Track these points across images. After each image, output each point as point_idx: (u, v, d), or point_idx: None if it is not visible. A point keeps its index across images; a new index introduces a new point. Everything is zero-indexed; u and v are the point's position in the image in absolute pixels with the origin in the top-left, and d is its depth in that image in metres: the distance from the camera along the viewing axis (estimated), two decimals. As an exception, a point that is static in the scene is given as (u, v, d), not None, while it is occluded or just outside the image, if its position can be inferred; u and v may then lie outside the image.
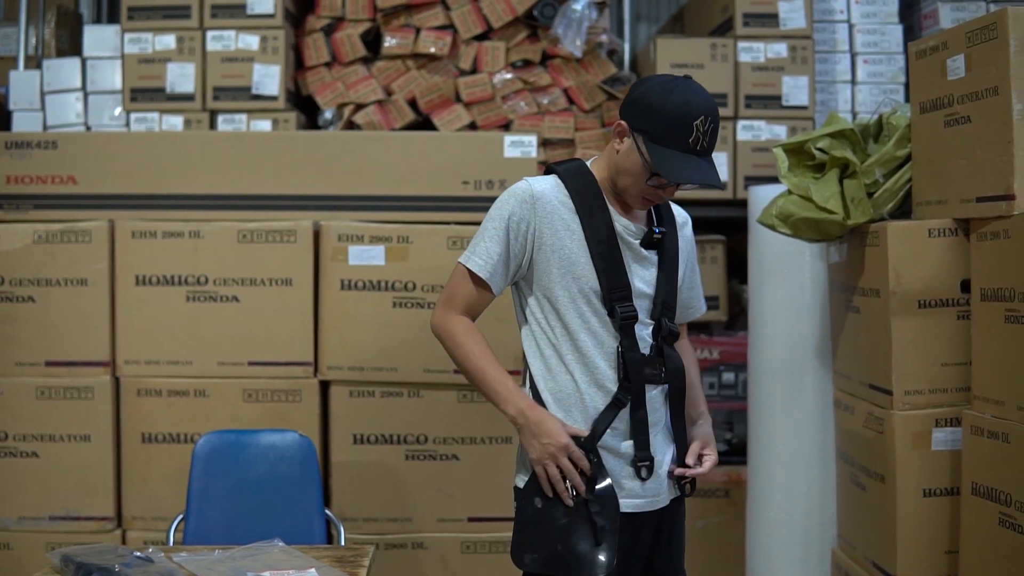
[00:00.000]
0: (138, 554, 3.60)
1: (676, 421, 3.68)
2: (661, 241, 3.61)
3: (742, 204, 5.72)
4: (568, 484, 3.44)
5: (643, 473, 3.53)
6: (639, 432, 3.54)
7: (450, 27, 6.29)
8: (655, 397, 3.59)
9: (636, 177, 3.48)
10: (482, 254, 3.54)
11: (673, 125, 3.38)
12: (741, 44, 6.08)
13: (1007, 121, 3.90)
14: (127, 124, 6.11)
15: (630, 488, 3.53)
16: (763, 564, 5.30)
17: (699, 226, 6.20)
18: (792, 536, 5.19)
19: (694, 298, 3.90)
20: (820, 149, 4.66)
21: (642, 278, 3.56)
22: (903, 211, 4.59)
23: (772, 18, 6.09)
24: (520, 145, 5.37)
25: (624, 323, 3.51)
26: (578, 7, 6.12)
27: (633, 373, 3.52)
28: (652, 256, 3.61)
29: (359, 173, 5.45)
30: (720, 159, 5.98)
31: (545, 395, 3.56)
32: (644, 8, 7.73)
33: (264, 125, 6.04)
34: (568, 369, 3.54)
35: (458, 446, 5.28)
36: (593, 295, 3.51)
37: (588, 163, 3.67)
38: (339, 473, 5.29)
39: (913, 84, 4.57)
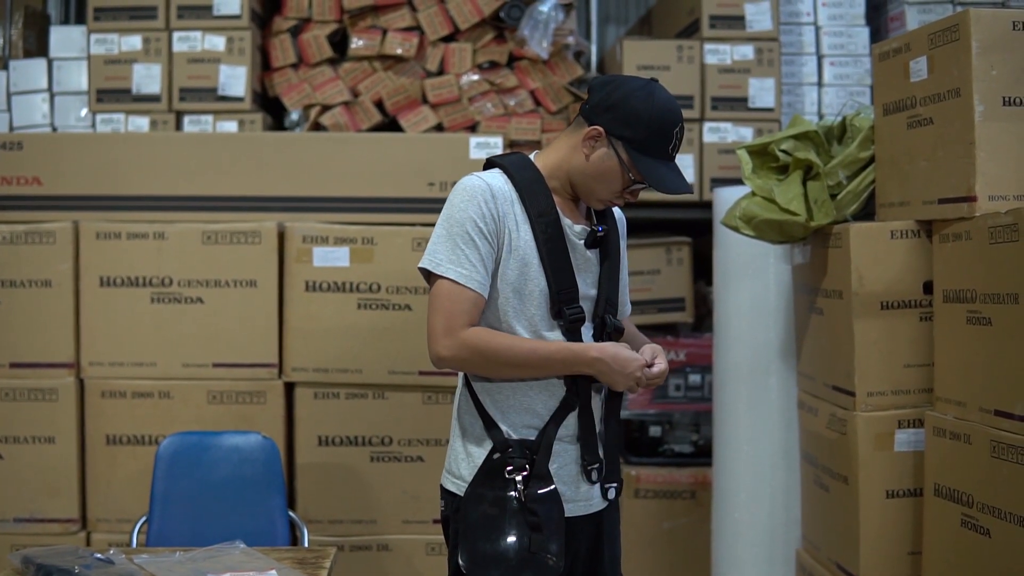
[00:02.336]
0: (99, 556, 3.59)
1: (609, 424, 3.54)
2: (604, 239, 3.52)
3: (708, 206, 5.72)
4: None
5: (594, 476, 3.47)
6: (588, 435, 3.46)
7: (417, 28, 6.27)
8: (596, 400, 3.50)
9: (611, 183, 3.41)
10: (462, 262, 3.33)
11: (657, 133, 3.34)
12: (707, 46, 6.09)
13: (969, 123, 3.92)
14: (93, 125, 6.09)
15: (573, 493, 3.46)
16: (728, 565, 5.32)
17: (665, 228, 6.25)
18: (757, 537, 5.20)
19: (626, 296, 3.79)
20: (784, 151, 4.67)
21: (584, 279, 3.48)
22: (866, 213, 4.60)
23: (739, 20, 6.10)
24: (486, 146, 5.38)
25: (572, 325, 3.42)
26: (545, 9, 6.11)
27: (573, 376, 3.43)
28: (594, 255, 3.51)
29: (325, 174, 5.47)
30: (686, 161, 5.99)
31: (483, 396, 3.46)
32: (612, 10, 7.73)
33: (230, 126, 6.02)
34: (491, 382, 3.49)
35: (423, 447, 5.27)
36: (542, 296, 3.40)
37: (532, 156, 3.56)
38: (304, 475, 5.28)
39: (877, 86, 4.59)
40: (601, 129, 3.38)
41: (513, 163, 3.49)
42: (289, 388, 5.32)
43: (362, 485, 5.29)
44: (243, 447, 4.76)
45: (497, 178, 3.44)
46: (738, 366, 5.26)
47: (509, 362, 3.37)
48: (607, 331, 3.51)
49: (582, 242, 3.47)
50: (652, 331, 3.65)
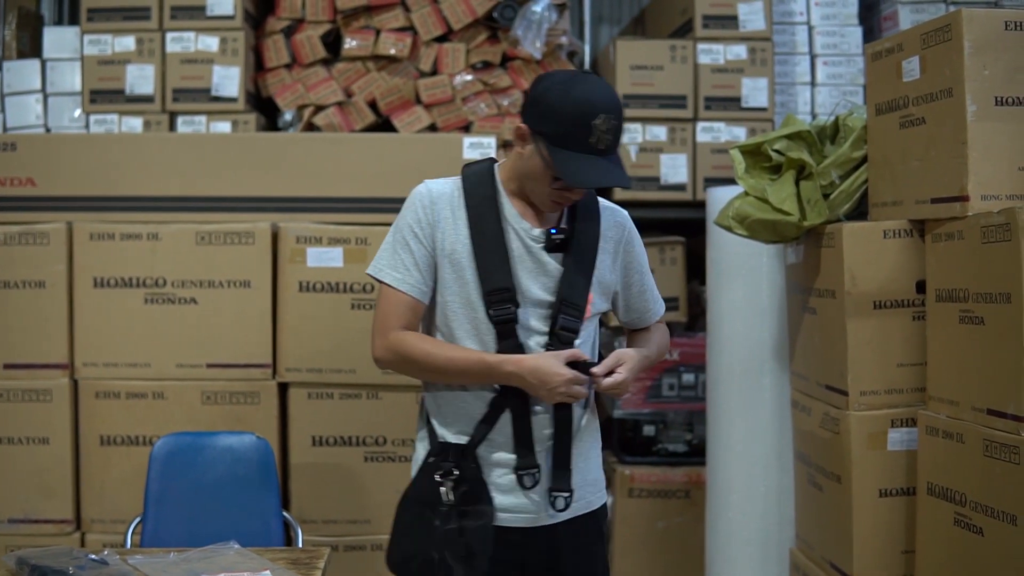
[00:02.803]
0: (93, 556, 3.59)
1: (560, 440, 3.48)
2: (567, 242, 3.45)
3: (701, 206, 5.71)
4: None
5: (526, 482, 3.42)
6: (521, 443, 3.42)
7: (410, 29, 6.28)
8: (542, 405, 3.44)
9: (540, 181, 3.36)
10: (398, 266, 3.44)
11: (572, 126, 3.24)
12: (701, 46, 6.10)
13: (961, 122, 3.91)
14: (87, 126, 6.09)
15: (506, 502, 3.43)
16: (722, 564, 5.32)
17: (659, 227, 6.25)
18: (750, 536, 5.20)
19: (648, 301, 3.75)
20: (777, 151, 4.66)
21: (543, 284, 3.44)
22: (859, 212, 4.58)
23: (732, 20, 6.11)
24: (479, 147, 5.37)
25: (501, 326, 3.40)
26: (538, 9, 6.12)
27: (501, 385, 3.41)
28: (555, 259, 3.45)
29: (318, 175, 5.45)
30: (680, 161, 6.01)
31: (429, 401, 3.52)
32: (605, 10, 7.73)
33: (224, 127, 6.03)
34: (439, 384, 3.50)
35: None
36: (477, 298, 3.41)
37: (499, 163, 3.57)
38: (298, 475, 5.27)
39: (869, 86, 4.57)
40: (524, 126, 3.36)
41: (472, 170, 3.52)
42: (283, 388, 5.30)
43: (356, 485, 5.28)
44: (237, 447, 4.74)
45: (446, 184, 3.48)
46: (731, 366, 5.26)
47: (428, 368, 3.43)
48: (556, 336, 3.43)
49: (541, 246, 3.43)
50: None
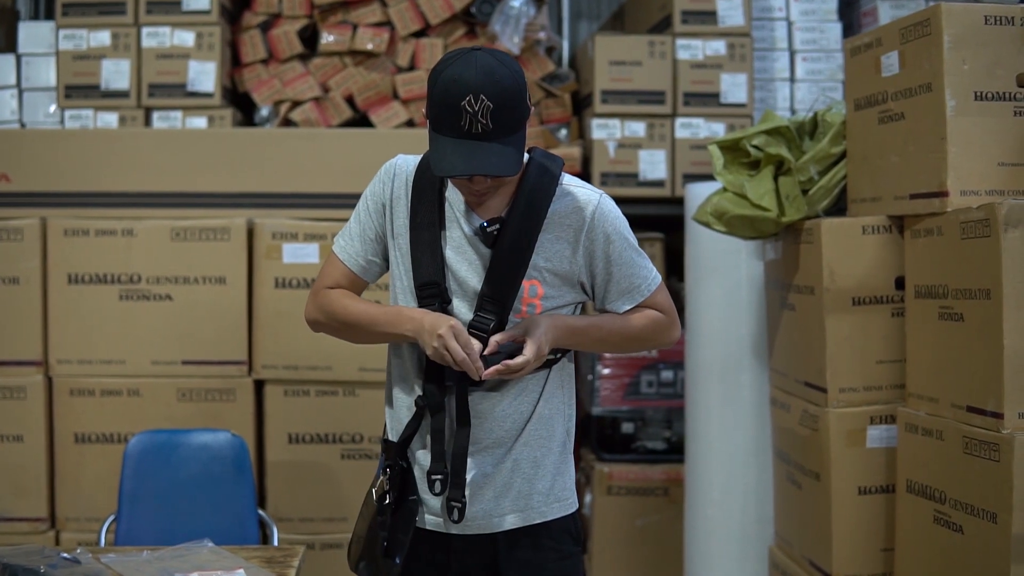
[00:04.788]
0: (65, 555, 3.55)
1: (461, 425, 3.22)
2: (500, 235, 3.16)
3: (680, 202, 5.70)
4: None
5: (436, 488, 3.21)
6: (435, 442, 3.22)
7: (387, 24, 6.26)
8: (452, 399, 3.22)
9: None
10: (345, 235, 3.34)
11: (442, 107, 2.96)
12: (679, 41, 6.07)
13: (940, 118, 3.91)
14: (62, 121, 6.05)
15: (432, 504, 3.27)
16: (701, 562, 5.30)
17: (637, 224, 6.20)
18: (729, 534, 5.19)
19: (611, 293, 3.31)
20: (755, 146, 4.66)
21: (478, 276, 3.20)
22: (838, 208, 4.59)
23: (710, 15, 6.08)
24: (456, 142, 5.34)
25: None
26: (516, 4, 6.10)
27: (428, 377, 3.22)
28: (489, 253, 3.20)
29: (295, 171, 5.44)
30: (658, 157, 5.99)
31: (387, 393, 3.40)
32: (583, 5, 7.70)
33: (199, 122, 5.99)
34: (391, 371, 3.37)
35: (381, 438, 5.22)
36: (411, 290, 3.24)
37: None
38: (274, 473, 5.26)
39: (848, 81, 4.58)
40: (423, 111, 3.14)
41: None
42: (259, 385, 5.30)
43: (333, 483, 5.27)
44: (212, 445, 4.72)
45: (414, 161, 3.31)
46: (710, 362, 5.24)
47: (346, 321, 3.30)
48: (473, 327, 3.18)
49: (478, 237, 3.21)
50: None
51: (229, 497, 4.66)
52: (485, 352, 3.11)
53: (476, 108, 2.94)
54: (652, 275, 3.36)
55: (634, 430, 6.05)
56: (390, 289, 3.34)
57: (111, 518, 4.63)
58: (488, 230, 3.16)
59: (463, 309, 3.21)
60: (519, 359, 3.09)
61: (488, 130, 2.96)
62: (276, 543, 4.64)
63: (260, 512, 4.72)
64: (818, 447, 4.39)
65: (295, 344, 5.22)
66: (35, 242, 5.22)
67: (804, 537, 4.63)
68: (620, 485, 5.89)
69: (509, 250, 3.18)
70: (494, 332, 3.17)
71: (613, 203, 3.32)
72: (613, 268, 3.28)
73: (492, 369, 3.09)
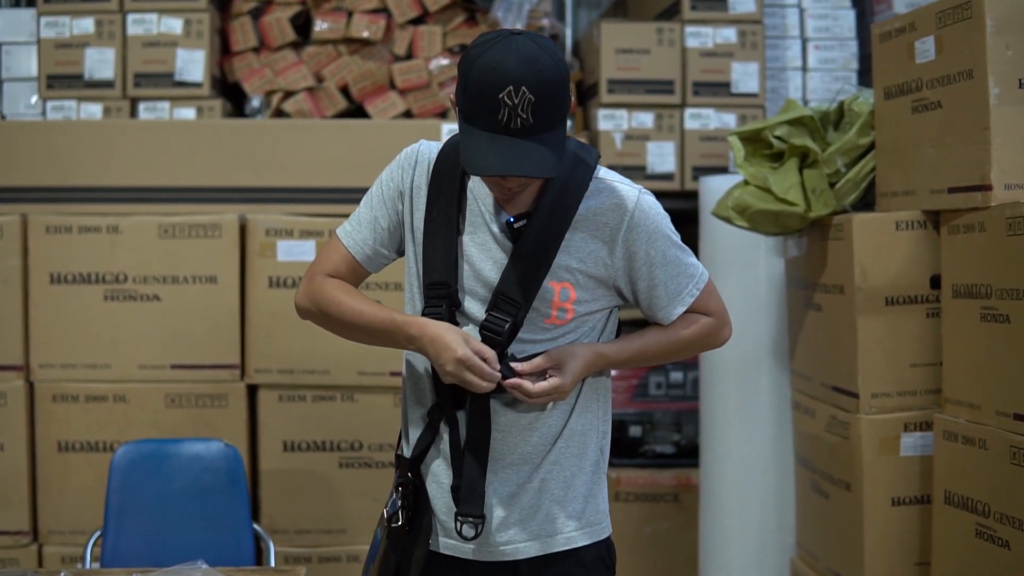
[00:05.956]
0: (48, 580, 3.42)
1: (475, 452, 3.00)
2: (524, 232, 2.93)
3: (690, 196, 5.58)
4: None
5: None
6: (454, 456, 2.99)
7: (384, 11, 6.12)
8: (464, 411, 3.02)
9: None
10: (353, 220, 3.12)
11: (478, 99, 2.71)
12: (689, 29, 5.90)
13: (983, 106, 3.74)
14: (43, 112, 5.91)
15: (449, 526, 3.02)
16: (717, 572, 5.20)
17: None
18: (747, 544, 5.08)
19: (659, 298, 3.08)
20: (778, 137, 4.53)
21: (495, 275, 2.97)
22: (865, 202, 4.46)
23: (721, 2, 5.92)
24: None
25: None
26: (519, -11, 5.98)
27: (438, 387, 3.00)
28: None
29: (288, 164, 5.36)
30: (667, 149, 5.84)
31: (403, 405, 3.18)
32: (585, -9, 7.57)
33: (188, 113, 5.85)
34: (404, 376, 3.14)
35: (394, 453, 5.07)
36: (420, 288, 3.03)
37: None
38: (268, 483, 5.16)
39: (877, 68, 4.42)
40: (452, 96, 2.91)
41: (455, 137, 3.01)
42: (252, 390, 5.19)
43: (330, 493, 5.17)
44: (204, 456, 4.59)
45: (438, 149, 3.08)
46: (726, 364, 5.09)
47: (336, 319, 3.06)
48: (485, 328, 2.96)
49: (504, 234, 2.97)
50: (636, 325, 3.46)
51: (222, 511, 4.52)
52: (519, 366, 2.89)
53: (516, 101, 2.68)
54: (699, 272, 3.12)
55: (642, 433, 5.93)
56: (405, 287, 3.10)
57: (97, 534, 4.48)
58: (516, 226, 2.92)
59: (482, 310, 2.97)
60: (541, 386, 2.88)
61: (528, 125, 2.70)
62: (272, 559, 4.51)
63: (255, 526, 4.59)
64: (848, 455, 4.25)
65: (290, 347, 5.11)
66: (15, 240, 5.12)
67: (831, 549, 4.49)
68: (628, 491, 5.76)
69: (532, 247, 2.94)
70: (508, 334, 2.93)
71: (653, 199, 3.07)
72: (657, 271, 3.04)
73: (508, 382, 2.87)
